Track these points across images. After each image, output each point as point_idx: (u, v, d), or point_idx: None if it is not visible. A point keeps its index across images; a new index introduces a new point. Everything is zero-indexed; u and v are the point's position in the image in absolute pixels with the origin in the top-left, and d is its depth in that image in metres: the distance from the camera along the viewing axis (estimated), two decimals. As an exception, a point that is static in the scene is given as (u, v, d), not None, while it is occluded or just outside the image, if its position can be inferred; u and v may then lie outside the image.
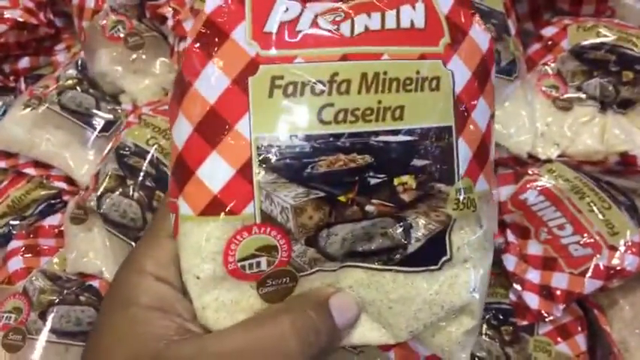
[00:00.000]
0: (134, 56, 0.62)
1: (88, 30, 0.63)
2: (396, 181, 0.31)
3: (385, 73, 0.31)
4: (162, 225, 0.32)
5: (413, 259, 0.32)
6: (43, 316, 0.48)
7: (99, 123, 0.60)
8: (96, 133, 0.60)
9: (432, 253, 0.32)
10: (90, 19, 0.63)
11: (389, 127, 0.31)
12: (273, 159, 0.29)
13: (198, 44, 0.30)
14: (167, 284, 0.31)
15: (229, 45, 0.30)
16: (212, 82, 0.29)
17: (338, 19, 0.31)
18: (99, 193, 0.51)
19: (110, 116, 0.60)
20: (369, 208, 0.31)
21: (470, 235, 0.33)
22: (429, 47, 0.32)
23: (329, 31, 0.31)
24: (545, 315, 0.54)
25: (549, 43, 0.63)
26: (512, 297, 0.56)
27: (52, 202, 0.61)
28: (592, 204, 0.54)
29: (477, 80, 0.33)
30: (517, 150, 0.57)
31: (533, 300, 0.54)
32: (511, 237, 0.57)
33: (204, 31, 0.30)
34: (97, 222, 0.52)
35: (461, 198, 0.32)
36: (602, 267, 0.52)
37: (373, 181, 0.31)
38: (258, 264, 0.30)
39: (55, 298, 0.49)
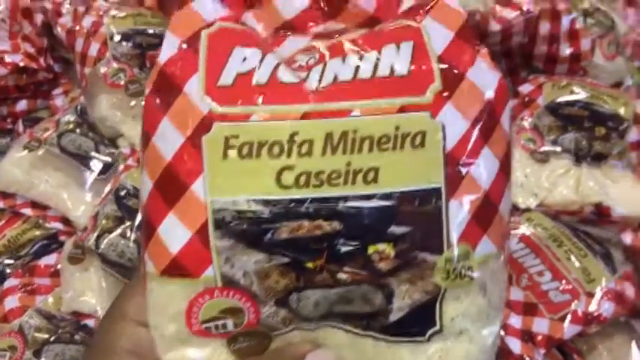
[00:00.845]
0: (133, 102, 0.64)
1: (90, 76, 0.65)
2: (370, 250, 0.28)
3: (355, 131, 0.27)
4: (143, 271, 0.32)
5: (396, 327, 0.29)
6: (37, 355, 0.48)
7: (97, 166, 0.62)
8: (94, 175, 0.61)
9: (419, 323, 0.29)
10: (92, 66, 0.66)
11: (360, 191, 0.27)
12: (230, 223, 0.27)
13: (153, 96, 0.29)
14: (148, 328, 0.30)
15: (182, 100, 0.28)
16: (167, 138, 0.28)
17: (311, 62, 0.28)
18: (97, 233, 0.52)
19: (108, 159, 0.62)
20: (341, 275, 0.28)
21: (468, 304, 0.29)
22: (413, 97, 0.28)
23: (291, 84, 0.28)
24: (528, 359, 0.55)
25: (526, 99, 0.67)
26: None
27: (47, 242, 0.61)
28: (569, 252, 0.57)
29: (479, 130, 0.28)
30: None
31: (515, 344, 0.56)
32: (493, 283, 0.59)
33: (158, 82, 0.29)
34: (94, 262, 0.53)
35: (452, 268, 0.28)
36: (580, 313, 0.54)
37: (344, 248, 0.27)
38: (225, 325, 0.29)
39: (50, 336, 0.50)
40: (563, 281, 0.56)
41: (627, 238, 0.59)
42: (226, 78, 0.28)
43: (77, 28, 0.67)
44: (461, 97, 0.28)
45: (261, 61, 0.28)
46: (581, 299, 0.55)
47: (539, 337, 0.55)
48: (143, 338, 0.30)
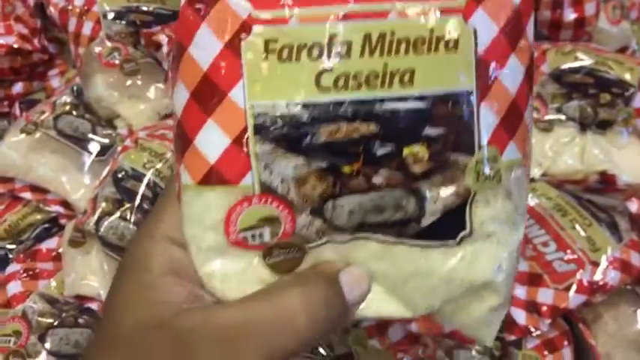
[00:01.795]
0: (129, 82, 0.63)
1: (84, 56, 0.64)
2: (405, 152, 0.28)
3: (392, 33, 0.27)
4: (175, 188, 0.31)
5: (428, 232, 0.29)
6: (42, 339, 0.49)
7: (95, 147, 0.61)
8: (92, 157, 0.61)
9: (450, 228, 0.30)
10: (86, 45, 0.65)
11: (397, 93, 0.28)
12: (270, 128, 0.28)
13: (190, 6, 0.28)
14: (181, 247, 0.30)
15: (220, 6, 0.28)
16: (204, 45, 0.28)
17: None
18: (97, 216, 0.52)
19: (106, 141, 0.62)
20: (376, 179, 0.28)
21: (496, 209, 0.30)
22: (447, 1, 0.28)
23: None
24: (533, 330, 0.55)
25: (530, 67, 0.66)
26: (500, 312, 0.58)
27: (48, 226, 0.61)
28: (574, 221, 0.56)
29: (507, 37, 0.29)
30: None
31: (520, 315, 0.56)
32: (498, 254, 0.59)
33: None
34: (95, 245, 0.53)
35: (482, 169, 0.29)
36: (585, 282, 0.54)
37: (380, 151, 0.28)
38: (261, 235, 0.29)
39: (53, 320, 0.50)
40: (568, 251, 0.55)
41: (633, 205, 0.58)
42: None
43: (70, 7, 0.66)
44: (491, 3, 0.29)
45: None
46: (586, 268, 0.55)
47: (544, 308, 0.55)
48: (177, 256, 0.30)
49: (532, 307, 0.56)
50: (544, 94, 0.64)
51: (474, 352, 0.56)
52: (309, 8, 0.28)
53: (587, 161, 0.60)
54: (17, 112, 0.72)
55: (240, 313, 0.28)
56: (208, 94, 0.28)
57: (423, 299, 0.31)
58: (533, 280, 0.57)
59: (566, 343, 0.57)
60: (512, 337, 0.56)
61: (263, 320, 0.28)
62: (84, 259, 0.53)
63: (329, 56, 0.27)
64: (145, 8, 0.65)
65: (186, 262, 0.30)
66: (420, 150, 0.28)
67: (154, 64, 0.64)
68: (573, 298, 0.54)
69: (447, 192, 0.29)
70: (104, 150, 0.61)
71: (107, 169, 0.56)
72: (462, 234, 0.30)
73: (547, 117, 0.62)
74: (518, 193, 0.31)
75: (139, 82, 0.63)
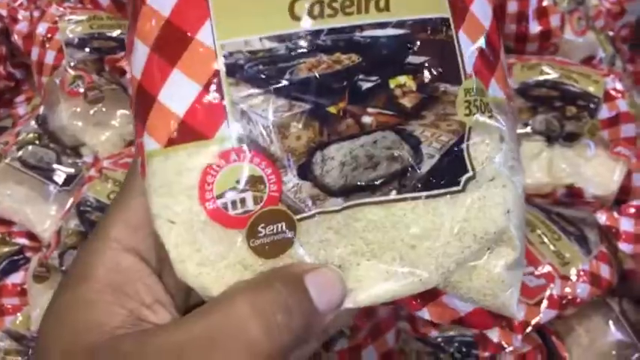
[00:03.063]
0: (94, 110, 0.62)
1: (48, 85, 0.64)
2: (392, 83, 0.26)
3: None
4: (132, 184, 0.28)
5: (429, 181, 0.27)
6: (7, 379, 0.48)
7: (60, 177, 0.60)
8: (57, 187, 0.60)
9: (451, 172, 0.27)
10: (49, 74, 0.64)
11: (374, 19, 0.26)
12: (244, 68, 0.25)
13: None
14: (133, 254, 0.27)
15: None
16: None
17: None
18: (60, 250, 0.51)
19: (71, 170, 0.61)
20: (365, 119, 0.26)
21: (493, 148, 0.28)
22: None
23: None
24: (506, 346, 0.55)
25: (496, 81, 0.66)
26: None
27: (15, 258, 0.61)
28: (543, 236, 0.56)
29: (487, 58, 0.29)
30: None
31: (493, 332, 0.56)
32: (469, 271, 0.59)
33: None
34: (58, 279, 0.52)
35: (472, 100, 0.27)
36: (555, 297, 0.54)
37: (365, 85, 0.26)
38: (243, 201, 0.25)
39: (21, 358, 0.49)
40: (538, 266, 0.55)
41: (601, 217, 0.58)
42: None
43: (33, 35, 0.65)
44: None
45: None
46: (556, 283, 0.55)
47: (516, 323, 0.55)
48: (126, 266, 0.26)
49: (505, 322, 0.56)
50: (511, 109, 0.64)
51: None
52: None
53: (555, 174, 0.60)
54: (-17, 141, 0.71)
55: (178, 336, 0.24)
56: (172, 42, 0.25)
57: (436, 263, 0.27)
58: (504, 296, 0.57)
59: (539, 357, 0.57)
60: (487, 354, 0.56)
61: (207, 338, 0.23)
62: (49, 294, 0.52)
63: None
64: (108, 34, 0.65)
65: (134, 273, 0.26)
66: (406, 80, 0.27)
67: (118, 90, 0.64)
68: (545, 313, 0.55)
69: (441, 129, 0.27)
70: (69, 180, 0.60)
71: (71, 200, 0.55)
72: (465, 177, 0.27)
73: (514, 131, 0.63)
74: (510, 135, 0.29)
75: (104, 109, 0.63)
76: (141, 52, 0.26)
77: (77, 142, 0.63)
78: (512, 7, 0.70)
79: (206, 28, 0.25)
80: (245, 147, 0.25)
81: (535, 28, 0.71)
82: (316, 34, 0.26)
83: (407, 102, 0.27)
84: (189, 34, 0.25)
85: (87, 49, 0.63)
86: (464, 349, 0.57)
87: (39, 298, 0.53)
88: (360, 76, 0.26)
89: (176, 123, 0.25)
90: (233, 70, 0.25)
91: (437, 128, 0.27)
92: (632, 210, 0.58)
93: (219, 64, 0.25)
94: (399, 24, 0.27)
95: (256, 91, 0.25)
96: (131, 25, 0.28)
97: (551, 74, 0.64)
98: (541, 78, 0.64)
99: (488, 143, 0.28)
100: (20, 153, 0.61)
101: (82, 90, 0.62)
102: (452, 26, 0.27)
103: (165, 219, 0.26)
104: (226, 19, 0.25)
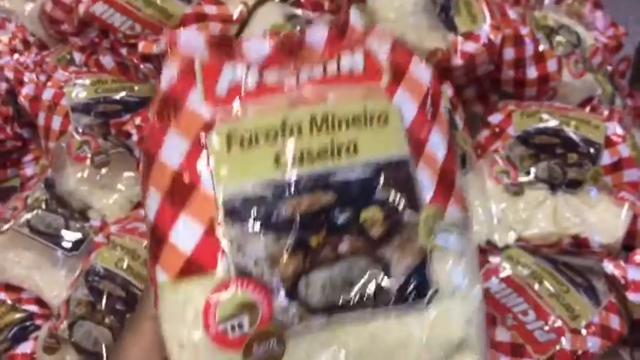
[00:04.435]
0: (102, 173, 0.63)
1: (54, 150, 0.65)
2: (362, 216, 0.32)
3: (333, 114, 0.33)
4: (145, 308, 0.32)
5: (399, 297, 0.32)
6: None
7: (68, 243, 0.61)
8: (66, 253, 0.60)
9: (417, 289, 0.32)
10: (56, 139, 0.65)
11: (346, 162, 0.32)
12: (239, 210, 0.30)
13: (158, 117, 0.32)
14: None
15: (185, 111, 0.32)
16: (173, 148, 0.31)
17: (285, 72, 0.34)
18: (70, 321, 0.51)
19: (79, 235, 0.61)
20: (341, 247, 0.31)
21: (453, 266, 0.33)
22: (372, 86, 0.34)
23: (275, 83, 0.34)
24: (519, 402, 0.55)
25: (497, 130, 0.67)
26: (486, 385, 0.57)
27: (25, 325, 0.61)
28: (551, 288, 0.56)
29: (426, 113, 0.35)
30: (475, 239, 0.59)
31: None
32: (479, 324, 0.58)
33: (162, 104, 0.33)
34: (70, 350, 0.52)
35: (432, 225, 0.33)
36: (567, 351, 0.54)
37: (340, 219, 0.31)
38: (240, 325, 0.30)
39: None
40: (548, 319, 0.55)
41: (608, 267, 0.58)
42: (222, 87, 0.33)
43: (40, 98, 0.67)
44: (407, 86, 0.35)
45: (248, 71, 0.34)
46: (566, 336, 0.54)
47: (530, 378, 0.55)
48: None
49: (517, 377, 0.55)
50: (512, 157, 0.64)
51: None
52: (260, 101, 0.33)
53: (560, 223, 0.60)
54: (-10, 201, 0.72)
55: None
56: (180, 190, 0.31)
57: None
58: (516, 351, 0.56)
59: (554, 411, 0.56)
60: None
61: None
62: (59, 367, 0.52)
63: (283, 138, 0.32)
64: (113, 97, 0.66)
65: None
66: (375, 212, 0.32)
67: (125, 152, 0.65)
68: (556, 369, 0.54)
69: (406, 253, 0.32)
70: (77, 244, 0.61)
71: (79, 269, 0.56)
72: (429, 293, 0.32)
73: (517, 180, 0.63)
74: (468, 249, 0.34)
75: (110, 173, 0.63)
76: (154, 198, 0.32)
77: (84, 205, 0.64)
78: (509, 53, 0.71)
79: (207, 179, 0.31)
80: (241, 277, 0.30)
81: (533, 73, 0.72)
82: (298, 179, 0.31)
83: (376, 230, 0.32)
84: (193, 183, 0.31)
85: (92, 114, 0.65)
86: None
87: (49, 369, 0.53)
88: (336, 211, 0.32)
89: (183, 260, 0.30)
90: (230, 212, 0.31)
91: (403, 251, 0.32)
92: (640, 258, 0.58)
93: (219, 208, 0.31)
94: (367, 164, 0.32)
95: (250, 229, 0.31)
96: (145, 174, 0.33)
97: (551, 121, 0.65)
98: (541, 125, 0.65)
99: (448, 261, 0.33)
100: (28, 218, 0.61)
101: (88, 155, 0.63)
102: (411, 164, 0.33)
103: (175, 342, 0.30)
104: (224, 169, 0.31)
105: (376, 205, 0.32)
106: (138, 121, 0.64)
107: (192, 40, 0.35)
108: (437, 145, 0.35)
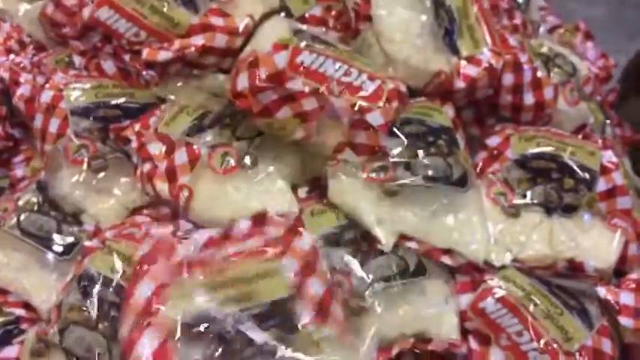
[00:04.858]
0: (97, 178, 0.62)
1: (51, 153, 0.63)
2: None
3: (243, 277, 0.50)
4: None
5: None
6: None
7: (60, 246, 0.59)
8: (57, 256, 0.59)
9: None
10: (52, 142, 0.64)
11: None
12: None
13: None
14: None
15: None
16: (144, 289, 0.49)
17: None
18: (61, 326, 0.50)
19: (71, 239, 0.60)
20: None
21: None
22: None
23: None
24: None
25: (494, 152, 0.68)
26: (479, 405, 0.57)
27: (9, 328, 0.59)
28: (545, 310, 0.57)
29: (305, 269, 0.51)
30: (473, 257, 0.59)
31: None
32: (474, 344, 0.58)
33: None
34: (57, 356, 0.50)
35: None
36: (560, 374, 0.54)
37: None
38: None
39: None
40: (542, 341, 0.55)
41: (601, 291, 0.59)
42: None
43: (36, 102, 0.65)
44: (292, 252, 0.53)
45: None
46: (560, 359, 0.55)
47: (523, 399, 0.55)
48: None
49: (511, 398, 0.55)
50: (510, 180, 0.65)
51: None
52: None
53: (555, 247, 0.61)
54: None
55: None
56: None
57: None
58: (511, 372, 0.56)
59: None
60: None
61: None
62: (47, 373, 0.51)
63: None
64: (113, 102, 0.65)
65: None
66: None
67: (122, 158, 0.64)
68: (550, 391, 0.54)
69: None
70: (69, 248, 0.59)
71: (71, 273, 0.54)
72: None
73: (514, 202, 0.64)
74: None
75: (107, 178, 0.62)
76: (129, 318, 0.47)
77: (78, 210, 0.62)
78: (508, 79, 0.72)
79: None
80: None
81: (530, 99, 0.73)
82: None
83: None
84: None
85: (92, 118, 0.64)
86: None
87: (36, 376, 0.51)
88: None
89: None
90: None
91: None
92: (632, 285, 0.59)
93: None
94: (263, 304, 0.49)
95: None
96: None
97: (548, 146, 0.66)
98: (538, 150, 0.66)
99: None
100: (19, 220, 0.60)
101: (85, 159, 0.62)
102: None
103: None
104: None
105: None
106: (137, 127, 0.63)
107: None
108: (316, 287, 0.51)
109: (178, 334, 0.46)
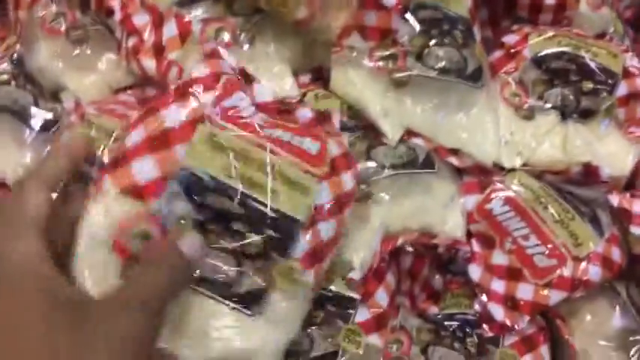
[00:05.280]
0: (77, 51, 0.56)
1: (25, 21, 0.57)
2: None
3: (279, 168, 0.40)
4: None
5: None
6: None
7: (37, 122, 0.54)
8: (34, 133, 0.54)
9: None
10: (27, 9, 0.57)
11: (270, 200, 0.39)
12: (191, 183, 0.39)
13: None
14: None
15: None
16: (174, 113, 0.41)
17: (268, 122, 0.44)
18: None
19: (50, 115, 0.55)
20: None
21: None
22: (314, 167, 0.42)
23: (258, 125, 0.43)
24: (510, 326, 0.53)
25: (511, 50, 0.63)
26: (478, 307, 0.55)
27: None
28: (556, 214, 0.54)
29: (336, 206, 0.42)
30: (482, 158, 0.56)
31: (498, 311, 0.54)
32: (476, 247, 0.56)
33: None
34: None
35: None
36: (566, 278, 0.52)
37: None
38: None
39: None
40: (549, 245, 0.53)
41: (614, 199, 0.56)
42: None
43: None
44: (333, 182, 0.43)
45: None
46: (567, 264, 0.52)
47: (523, 303, 0.53)
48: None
49: (511, 302, 0.54)
50: (525, 80, 0.61)
51: (448, 349, 0.53)
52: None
53: (570, 152, 0.57)
54: (-51, 81, 0.64)
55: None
56: (160, 139, 0.40)
57: None
58: (512, 275, 0.54)
59: (543, 339, 0.55)
60: (490, 334, 0.54)
61: None
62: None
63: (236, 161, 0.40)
64: (96, -32, 0.58)
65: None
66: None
67: (104, 32, 0.58)
68: (554, 295, 0.52)
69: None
70: (48, 125, 0.54)
71: (49, 148, 0.50)
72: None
73: (528, 104, 0.59)
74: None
75: (88, 52, 0.57)
76: (139, 132, 0.41)
77: (56, 86, 0.57)
78: (529, -25, 0.66)
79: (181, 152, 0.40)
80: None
81: (551, -2, 0.67)
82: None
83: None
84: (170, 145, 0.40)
85: (71, -17, 0.57)
86: (467, 329, 0.54)
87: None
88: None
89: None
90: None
91: None
92: (646, 193, 0.56)
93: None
94: (277, 211, 0.40)
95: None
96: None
97: (569, 46, 0.61)
98: (558, 49, 0.61)
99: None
100: (-7, 94, 0.54)
101: (63, 28, 0.56)
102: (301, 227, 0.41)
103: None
104: (195, 154, 0.40)
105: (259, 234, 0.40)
106: (122, -4, 0.57)
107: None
108: (328, 230, 0.42)
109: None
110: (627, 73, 0.60)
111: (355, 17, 0.54)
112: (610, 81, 0.59)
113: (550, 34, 0.63)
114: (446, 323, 0.55)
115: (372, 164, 0.51)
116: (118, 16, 0.56)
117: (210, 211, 0.39)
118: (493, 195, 0.55)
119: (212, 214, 0.39)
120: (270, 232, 0.40)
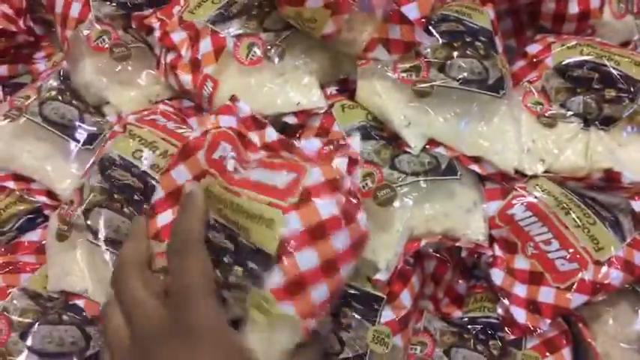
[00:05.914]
0: (119, 67, 0.60)
1: (72, 39, 0.61)
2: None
3: (244, 207, 0.41)
4: None
5: None
6: (24, 337, 0.46)
7: (82, 135, 0.58)
8: (79, 146, 0.58)
9: None
10: (73, 28, 0.62)
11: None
12: None
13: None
14: None
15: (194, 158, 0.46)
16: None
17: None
18: (86, 207, 0.49)
19: (94, 129, 0.58)
20: None
21: None
22: (279, 200, 0.41)
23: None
24: (533, 329, 0.54)
25: (534, 60, 0.64)
26: (500, 311, 0.57)
27: (32, 216, 0.59)
28: (577, 219, 0.55)
29: (309, 236, 0.40)
30: (504, 166, 0.57)
31: (520, 314, 0.55)
32: (498, 251, 0.57)
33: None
34: (82, 238, 0.50)
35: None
36: (587, 282, 0.53)
37: None
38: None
39: (37, 317, 0.48)
40: (571, 250, 0.54)
41: (636, 204, 0.57)
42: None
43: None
44: (303, 213, 0.41)
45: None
46: (589, 268, 0.54)
47: (545, 307, 0.54)
48: None
49: (533, 306, 0.55)
50: (548, 89, 0.62)
51: (472, 352, 0.55)
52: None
53: (591, 158, 0.58)
54: (0, 96, 0.69)
55: None
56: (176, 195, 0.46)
57: None
58: (534, 279, 0.55)
59: (565, 342, 0.56)
60: (512, 337, 0.55)
61: None
62: (69, 253, 0.51)
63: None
64: (136, -11, 0.62)
65: None
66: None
67: (145, 48, 0.62)
68: (575, 298, 0.53)
69: None
70: (92, 138, 0.58)
71: (94, 157, 0.53)
72: None
73: (550, 112, 0.61)
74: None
75: (130, 68, 0.60)
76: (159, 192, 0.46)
77: (100, 100, 0.61)
78: (552, -15, 0.67)
79: None
80: None
81: (574, 8, 0.68)
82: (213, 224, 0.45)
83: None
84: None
85: (114, 4, 0.61)
86: (489, 332, 0.56)
87: (58, 256, 0.51)
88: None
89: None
90: None
91: None
92: (669, 198, 0.57)
93: None
94: (250, 244, 0.42)
95: None
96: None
97: (592, 55, 0.62)
98: (581, 58, 0.62)
99: None
100: (42, 108, 0.58)
101: (107, 46, 0.59)
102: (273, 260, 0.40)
103: None
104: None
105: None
106: (160, 15, 0.60)
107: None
108: (306, 260, 0.40)
109: None
110: (650, 81, 0.61)
111: (380, 31, 0.56)
112: (632, 88, 0.60)
113: (573, 43, 0.65)
114: (469, 326, 0.56)
115: (396, 171, 0.53)
116: (157, 33, 0.60)
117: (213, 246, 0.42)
118: (515, 201, 0.56)
119: (214, 251, 0.42)
120: (250, 264, 0.40)
